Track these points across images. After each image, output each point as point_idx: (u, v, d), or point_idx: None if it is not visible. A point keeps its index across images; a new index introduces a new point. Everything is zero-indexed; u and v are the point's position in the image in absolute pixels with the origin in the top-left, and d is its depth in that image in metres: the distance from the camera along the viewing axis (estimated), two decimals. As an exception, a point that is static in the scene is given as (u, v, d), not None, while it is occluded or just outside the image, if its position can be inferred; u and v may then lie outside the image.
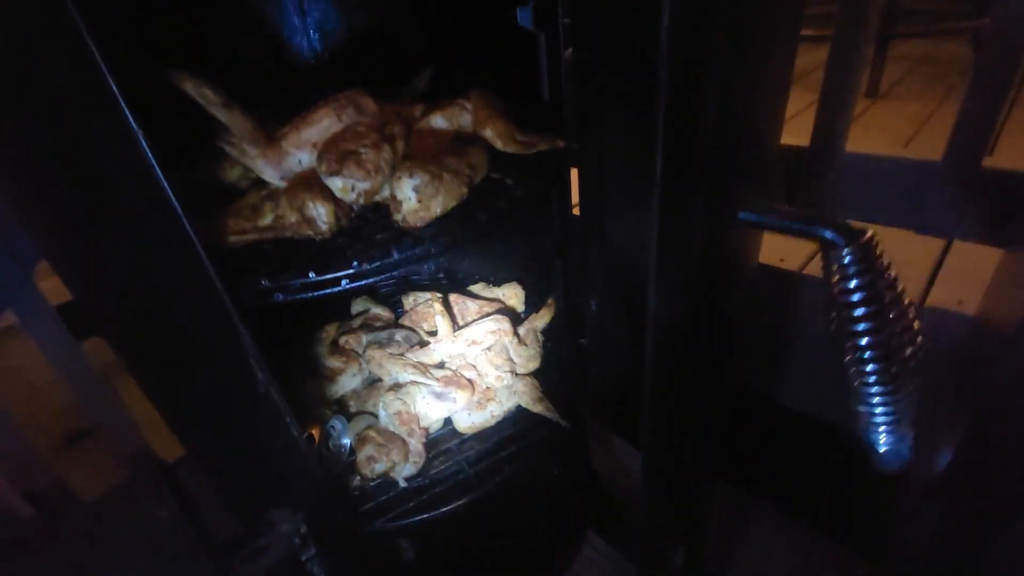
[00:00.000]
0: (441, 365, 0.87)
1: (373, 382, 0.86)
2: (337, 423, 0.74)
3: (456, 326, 0.91)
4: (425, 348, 0.86)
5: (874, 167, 0.95)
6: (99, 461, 1.12)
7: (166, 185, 0.41)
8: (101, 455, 1.13)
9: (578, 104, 0.62)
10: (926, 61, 2.63)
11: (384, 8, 0.79)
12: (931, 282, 1.03)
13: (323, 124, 0.57)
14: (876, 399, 0.35)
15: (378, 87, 0.81)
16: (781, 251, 1.20)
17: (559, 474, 0.93)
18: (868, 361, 0.33)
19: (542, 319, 0.96)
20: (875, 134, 1.80)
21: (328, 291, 0.49)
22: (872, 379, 0.34)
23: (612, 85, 0.53)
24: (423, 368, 0.83)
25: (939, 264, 1.04)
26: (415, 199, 0.51)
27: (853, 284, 0.31)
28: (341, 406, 0.84)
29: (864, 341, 0.32)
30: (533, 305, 0.99)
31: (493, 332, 0.88)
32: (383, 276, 0.50)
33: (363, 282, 0.50)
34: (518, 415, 0.82)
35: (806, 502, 1.21)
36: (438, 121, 0.62)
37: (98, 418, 1.14)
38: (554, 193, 0.77)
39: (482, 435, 0.80)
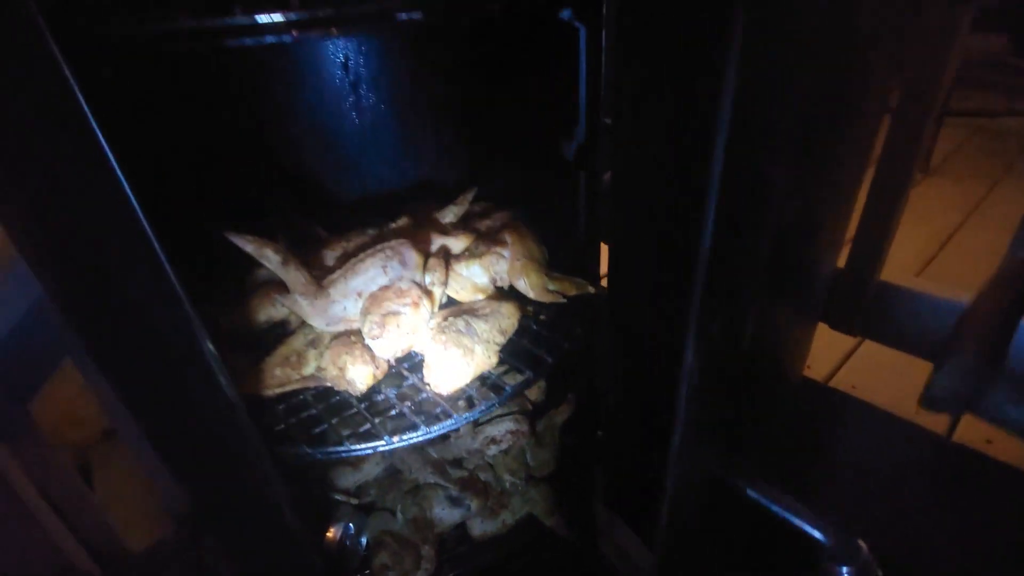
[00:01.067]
0: (459, 462, 0.90)
1: (394, 472, 0.90)
2: (355, 523, 0.78)
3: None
4: (446, 442, 0.90)
5: (905, 299, 0.94)
6: (147, 510, 1.19)
7: (220, 374, 0.45)
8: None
9: (613, 228, 0.63)
10: (982, 131, 2.54)
11: (436, 132, 0.83)
12: (958, 417, 1.01)
13: (369, 274, 0.61)
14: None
15: (426, 193, 0.85)
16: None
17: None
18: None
19: (561, 415, 0.98)
20: (924, 218, 1.76)
21: (362, 454, 0.53)
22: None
23: (644, 218, 0.55)
24: (442, 467, 0.86)
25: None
26: (448, 370, 0.55)
27: (850, 603, 0.33)
28: (360, 492, 0.88)
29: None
30: (553, 397, 1.02)
31: (512, 433, 0.90)
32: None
33: (394, 447, 0.54)
34: (530, 524, 0.85)
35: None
36: (475, 270, 0.65)
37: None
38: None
39: (494, 542, 0.83)
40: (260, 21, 0.31)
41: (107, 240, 0.37)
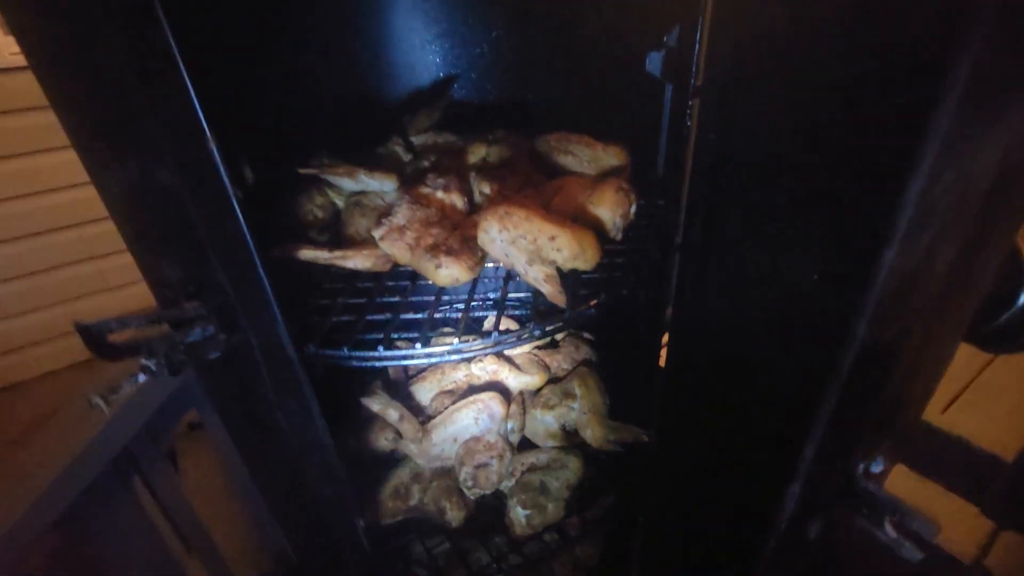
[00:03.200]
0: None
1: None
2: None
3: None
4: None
5: (941, 440, 1.01)
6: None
7: (363, 536, 0.60)
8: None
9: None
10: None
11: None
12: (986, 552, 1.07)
13: (463, 423, 0.76)
14: None
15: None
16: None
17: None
18: None
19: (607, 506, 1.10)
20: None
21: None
22: None
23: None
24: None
25: (993, 537, 1.08)
26: (525, 521, 0.69)
27: None
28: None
29: None
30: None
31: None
32: None
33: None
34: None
35: None
36: (549, 419, 0.78)
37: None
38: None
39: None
40: (434, 350, 0.45)
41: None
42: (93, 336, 0.40)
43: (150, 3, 0.29)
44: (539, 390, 0.85)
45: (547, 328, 0.49)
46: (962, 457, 1.01)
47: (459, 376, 0.86)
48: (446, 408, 0.79)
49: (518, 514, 0.69)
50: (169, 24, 0.31)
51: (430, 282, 0.54)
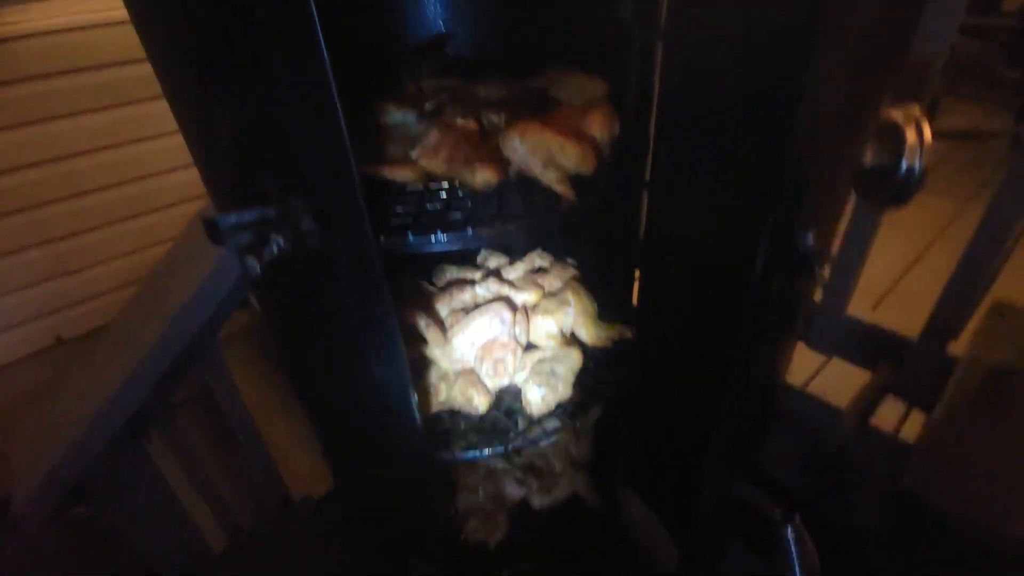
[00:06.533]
0: (518, 451, 1.21)
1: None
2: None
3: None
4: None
5: (865, 330, 1.25)
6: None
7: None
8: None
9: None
10: (967, 145, 2.80)
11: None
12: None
13: (479, 329, 0.90)
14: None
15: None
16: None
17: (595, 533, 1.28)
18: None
19: (595, 414, 1.29)
20: (891, 239, 2.06)
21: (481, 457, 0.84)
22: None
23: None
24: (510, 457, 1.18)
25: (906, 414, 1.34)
26: (540, 399, 0.85)
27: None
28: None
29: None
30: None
31: (559, 429, 1.21)
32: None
33: (499, 453, 0.84)
34: (573, 499, 1.17)
35: None
36: (549, 323, 0.95)
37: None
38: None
39: (548, 512, 1.15)
40: (480, 231, 0.60)
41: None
42: (214, 226, 0.53)
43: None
44: (536, 306, 1.01)
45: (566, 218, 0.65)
46: (880, 341, 1.25)
47: (466, 298, 1.01)
48: (459, 322, 0.93)
49: (535, 393, 0.86)
50: None
51: (461, 193, 0.69)
